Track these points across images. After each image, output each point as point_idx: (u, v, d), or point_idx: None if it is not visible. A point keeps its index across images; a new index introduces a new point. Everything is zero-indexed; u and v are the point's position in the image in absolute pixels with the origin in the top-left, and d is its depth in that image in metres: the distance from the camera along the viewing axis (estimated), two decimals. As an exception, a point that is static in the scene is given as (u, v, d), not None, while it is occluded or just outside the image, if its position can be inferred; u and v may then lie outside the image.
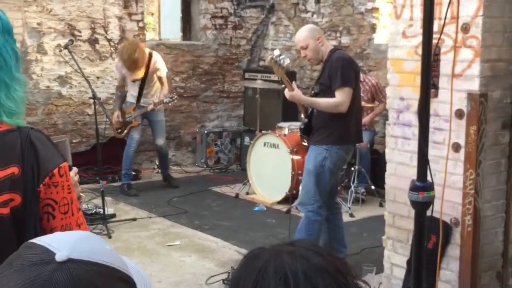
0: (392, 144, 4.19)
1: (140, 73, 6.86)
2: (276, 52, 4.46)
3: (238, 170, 8.35)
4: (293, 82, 4.66)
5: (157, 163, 8.12)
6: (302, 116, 4.83)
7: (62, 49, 6.25)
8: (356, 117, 4.60)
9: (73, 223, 1.54)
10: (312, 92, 4.67)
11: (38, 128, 1.55)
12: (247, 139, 8.19)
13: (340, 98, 4.40)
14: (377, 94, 6.96)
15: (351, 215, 6.30)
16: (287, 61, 4.42)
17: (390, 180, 4.22)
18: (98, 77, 7.80)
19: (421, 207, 2.50)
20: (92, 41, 7.75)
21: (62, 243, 0.90)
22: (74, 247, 0.89)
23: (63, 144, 1.93)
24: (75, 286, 0.85)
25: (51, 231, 1.51)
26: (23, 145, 1.45)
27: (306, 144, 4.83)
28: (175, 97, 7.07)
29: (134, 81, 7.01)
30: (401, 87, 4.08)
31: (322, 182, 4.51)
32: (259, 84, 7.51)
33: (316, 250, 1.03)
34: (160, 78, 7.06)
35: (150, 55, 6.95)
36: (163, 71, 7.06)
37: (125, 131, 7.19)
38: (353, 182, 6.57)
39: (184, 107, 8.64)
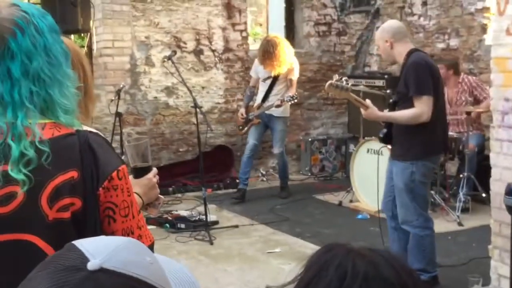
0: (497, 148, 3.96)
1: (271, 69, 6.85)
2: (335, 77, 4.19)
3: (343, 178, 8.23)
4: (366, 100, 4.28)
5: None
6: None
7: (166, 60, 6.42)
8: (441, 126, 4.24)
9: (134, 226, 1.54)
10: (391, 101, 4.34)
11: (97, 132, 1.56)
12: (351, 146, 8.05)
13: (419, 108, 4.03)
14: (478, 92, 6.62)
15: (460, 224, 6.02)
16: (347, 81, 4.20)
17: (495, 186, 3.99)
18: (203, 87, 7.98)
19: (518, 212, 2.32)
20: (197, 52, 7.94)
21: (99, 250, 0.85)
22: (110, 255, 0.84)
23: (143, 145, 2.00)
24: None
25: (113, 234, 1.51)
26: (82, 149, 1.46)
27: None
28: (296, 96, 6.92)
29: (264, 80, 7.04)
30: (505, 87, 3.85)
31: (418, 196, 4.25)
32: (362, 89, 7.35)
33: (390, 261, 0.96)
34: (290, 81, 7.03)
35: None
36: (295, 74, 7.06)
37: (245, 128, 7.31)
38: (462, 189, 6.26)
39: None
